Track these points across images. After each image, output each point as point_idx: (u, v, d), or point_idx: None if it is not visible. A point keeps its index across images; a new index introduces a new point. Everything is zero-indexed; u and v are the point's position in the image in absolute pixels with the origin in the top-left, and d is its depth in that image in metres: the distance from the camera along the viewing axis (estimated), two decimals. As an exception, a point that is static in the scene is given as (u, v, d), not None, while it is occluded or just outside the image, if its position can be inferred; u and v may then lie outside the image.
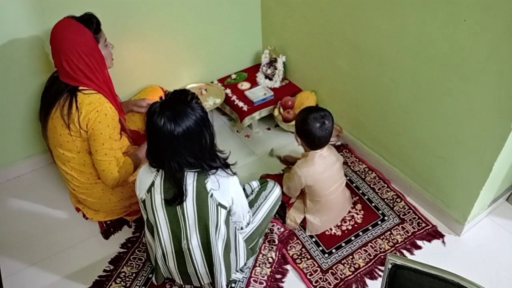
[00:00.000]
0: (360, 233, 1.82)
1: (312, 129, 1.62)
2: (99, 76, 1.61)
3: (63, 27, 1.54)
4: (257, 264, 1.71)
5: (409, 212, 1.91)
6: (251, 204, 1.63)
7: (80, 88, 1.58)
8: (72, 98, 1.56)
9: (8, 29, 1.77)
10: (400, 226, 1.85)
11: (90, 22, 1.58)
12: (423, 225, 1.85)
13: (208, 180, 1.33)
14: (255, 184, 1.73)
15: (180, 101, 1.26)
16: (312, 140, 1.65)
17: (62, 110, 1.58)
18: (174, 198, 1.32)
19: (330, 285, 1.64)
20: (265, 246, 1.77)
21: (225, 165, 1.38)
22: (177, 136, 1.23)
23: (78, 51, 1.52)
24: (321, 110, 1.67)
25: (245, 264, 1.64)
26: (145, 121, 1.29)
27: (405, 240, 1.79)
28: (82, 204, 1.90)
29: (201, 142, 1.28)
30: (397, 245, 1.77)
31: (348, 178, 2.06)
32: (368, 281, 1.66)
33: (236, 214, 1.46)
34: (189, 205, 1.34)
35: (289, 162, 2.00)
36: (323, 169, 1.69)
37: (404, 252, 1.75)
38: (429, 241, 1.79)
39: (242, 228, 1.56)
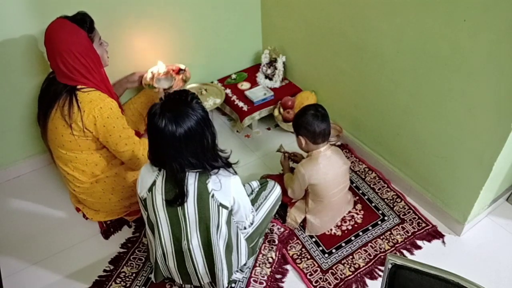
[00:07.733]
0: (360, 233, 1.82)
1: (309, 117, 1.65)
2: (96, 75, 1.61)
3: (56, 28, 1.53)
4: (257, 264, 1.71)
5: (409, 212, 1.91)
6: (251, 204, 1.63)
7: (79, 87, 1.58)
8: (72, 98, 1.56)
9: (5, 29, 1.77)
10: (400, 226, 1.85)
11: (83, 22, 1.57)
12: (423, 225, 1.85)
13: (210, 180, 1.33)
14: (255, 184, 1.73)
15: (180, 101, 1.26)
16: (313, 131, 1.65)
17: (63, 110, 1.58)
18: (175, 199, 1.32)
19: (330, 285, 1.64)
20: (265, 246, 1.77)
21: (227, 164, 1.38)
22: (178, 137, 1.22)
23: (73, 52, 1.52)
24: (312, 104, 1.76)
25: (245, 264, 1.64)
26: (146, 122, 1.30)
27: (405, 240, 1.79)
28: (82, 204, 1.90)
29: (203, 143, 1.28)
30: (397, 245, 1.77)
31: (348, 178, 2.06)
32: (368, 281, 1.66)
33: (238, 214, 1.46)
34: (190, 205, 1.33)
35: (294, 159, 2.00)
36: (327, 169, 1.70)
37: (404, 252, 1.75)
38: (429, 241, 1.79)
39: (245, 228, 1.56)
